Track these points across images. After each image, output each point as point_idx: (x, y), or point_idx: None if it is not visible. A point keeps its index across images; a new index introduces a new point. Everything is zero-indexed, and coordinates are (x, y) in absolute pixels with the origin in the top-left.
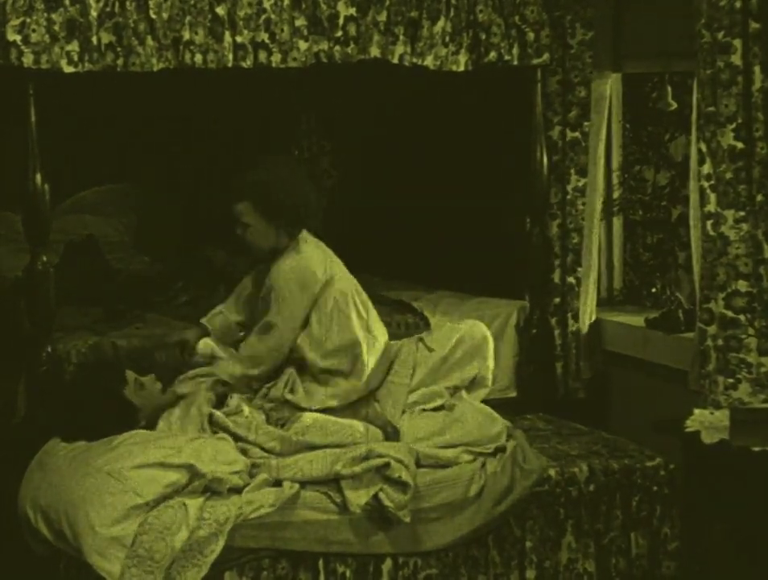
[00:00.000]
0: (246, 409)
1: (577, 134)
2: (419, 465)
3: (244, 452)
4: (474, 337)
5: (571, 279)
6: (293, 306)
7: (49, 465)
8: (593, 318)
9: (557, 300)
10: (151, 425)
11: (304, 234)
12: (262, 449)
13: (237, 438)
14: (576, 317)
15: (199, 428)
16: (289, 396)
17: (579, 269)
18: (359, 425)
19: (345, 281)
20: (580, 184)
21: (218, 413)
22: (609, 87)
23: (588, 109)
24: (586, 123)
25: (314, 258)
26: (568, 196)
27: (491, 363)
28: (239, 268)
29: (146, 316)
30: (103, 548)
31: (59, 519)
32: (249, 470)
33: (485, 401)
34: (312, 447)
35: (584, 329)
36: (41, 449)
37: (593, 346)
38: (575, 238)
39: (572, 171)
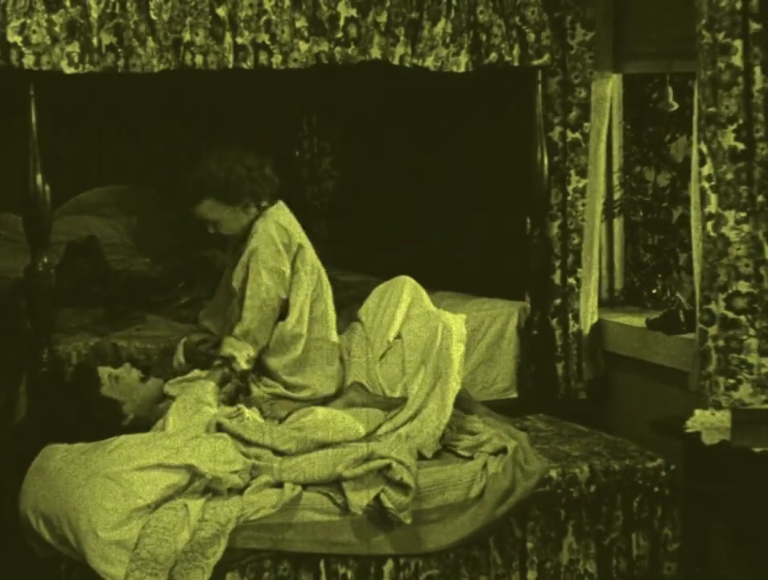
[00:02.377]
0: (246, 411)
1: (578, 135)
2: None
3: (246, 455)
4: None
5: (571, 280)
6: (271, 264)
7: (47, 469)
8: (595, 319)
9: (558, 301)
10: (141, 417)
11: (275, 205)
12: (275, 451)
13: (248, 443)
14: (576, 318)
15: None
16: (281, 390)
17: (579, 270)
18: (360, 425)
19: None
20: (580, 185)
21: (226, 420)
22: (610, 88)
23: (588, 110)
24: (586, 124)
25: (287, 222)
26: (569, 198)
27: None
28: None
29: (146, 318)
30: (107, 553)
31: (61, 524)
32: (250, 470)
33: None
34: (323, 445)
35: (586, 330)
36: (39, 452)
37: (595, 347)
38: (575, 239)
39: (573, 172)
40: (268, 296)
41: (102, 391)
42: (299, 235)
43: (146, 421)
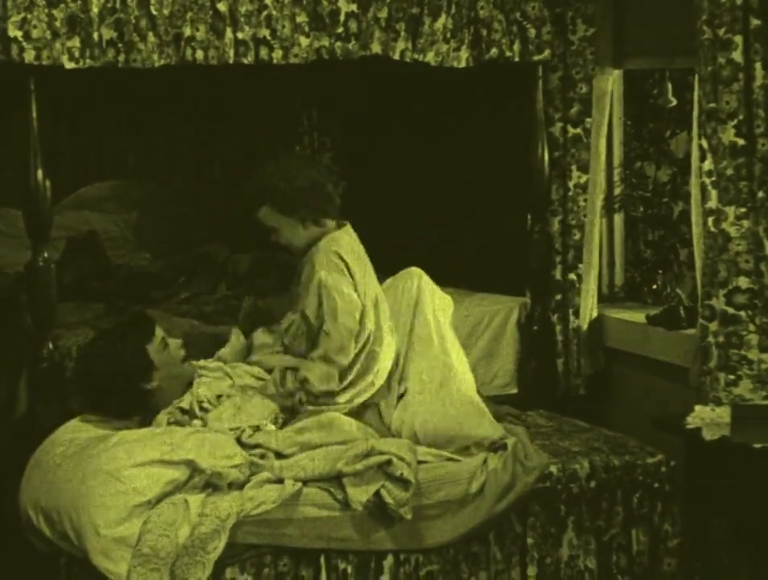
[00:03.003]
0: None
1: (579, 130)
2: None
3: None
4: None
5: (572, 276)
6: (341, 289)
7: (47, 464)
8: (594, 315)
9: (558, 296)
10: (164, 391)
11: (338, 229)
12: (279, 454)
13: (257, 446)
14: (576, 314)
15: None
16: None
17: (580, 266)
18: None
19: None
20: (582, 180)
21: (248, 431)
22: (611, 83)
23: (589, 106)
24: (587, 120)
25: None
26: (570, 193)
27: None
28: (240, 265)
29: (147, 312)
30: (109, 550)
31: (62, 521)
32: (250, 465)
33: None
34: (323, 445)
35: (585, 325)
36: (38, 447)
37: (594, 343)
38: (576, 235)
39: (574, 167)
40: (345, 320)
41: (148, 347)
42: (353, 263)
43: (166, 398)
